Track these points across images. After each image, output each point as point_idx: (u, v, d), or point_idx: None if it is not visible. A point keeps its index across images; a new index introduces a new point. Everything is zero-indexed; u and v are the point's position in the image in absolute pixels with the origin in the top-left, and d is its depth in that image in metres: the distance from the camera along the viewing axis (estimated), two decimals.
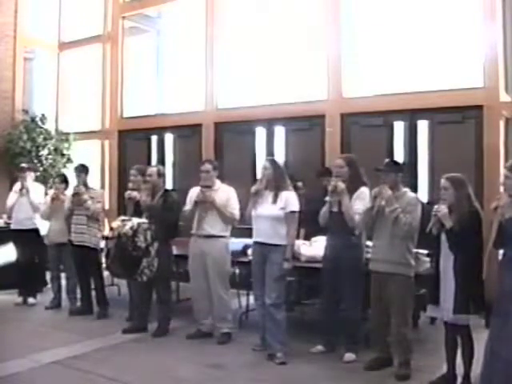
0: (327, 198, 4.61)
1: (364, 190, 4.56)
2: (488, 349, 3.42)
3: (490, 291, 3.74)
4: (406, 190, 4.39)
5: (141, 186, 5.46)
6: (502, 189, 3.73)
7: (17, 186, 6.77)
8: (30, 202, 6.55)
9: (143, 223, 5.09)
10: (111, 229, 5.12)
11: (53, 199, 6.36)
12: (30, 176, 6.85)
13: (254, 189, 4.76)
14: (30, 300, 6.59)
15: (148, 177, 5.39)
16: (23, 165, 7.18)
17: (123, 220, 5.16)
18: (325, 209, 4.65)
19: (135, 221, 5.11)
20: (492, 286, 3.70)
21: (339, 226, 4.54)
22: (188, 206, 5.17)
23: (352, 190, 4.55)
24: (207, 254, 5.08)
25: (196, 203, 5.07)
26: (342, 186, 4.49)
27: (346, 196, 4.49)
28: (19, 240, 6.69)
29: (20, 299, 6.62)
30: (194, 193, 5.16)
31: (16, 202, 6.64)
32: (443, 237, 3.86)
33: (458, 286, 3.74)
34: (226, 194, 5.13)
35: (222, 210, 5.04)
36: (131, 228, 5.01)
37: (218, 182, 5.23)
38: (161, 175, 5.44)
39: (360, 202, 4.50)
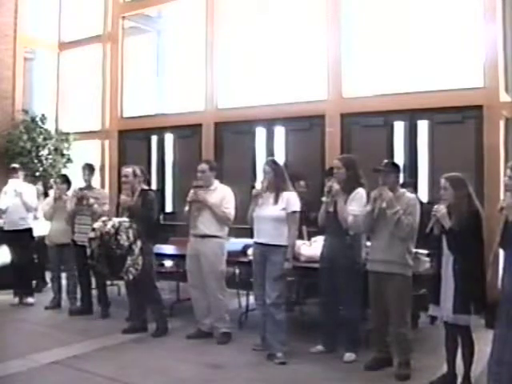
0: (323, 199, 4.64)
1: (360, 191, 4.56)
2: (493, 351, 3.39)
3: (494, 292, 3.74)
4: (404, 190, 4.39)
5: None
6: (502, 189, 3.73)
7: (7, 186, 6.69)
8: (24, 203, 6.52)
9: (124, 222, 5.13)
10: (93, 230, 5.14)
11: (55, 199, 6.36)
12: (22, 176, 6.83)
13: (255, 191, 4.78)
14: (29, 300, 6.54)
15: (124, 177, 5.43)
16: (14, 165, 7.15)
17: (104, 221, 5.19)
18: (322, 209, 4.68)
19: (116, 220, 5.16)
20: (496, 286, 3.70)
21: (335, 226, 4.56)
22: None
23: (348, 190, 4.56)
24: (202, 254, 5.09)
25: (190, 203, 5.10)
26: (336, 186, 4.52)
27: (340, 197, 4.51)
28: (13, 240, 6.64)
29: (16, 300, 6.58)
30: None
31: (8, 203, 6.58)
32: (444, 237, 3.85)
33: (457, 286, 3.73)
34: (221, 194, 5.13)
35: (215, 210, 5.04)
36: (113, 226, 5.05)
37: (215, 182, 5.24)
38: (136, 175, 5.45)
39: (355, 203, 4.51)
